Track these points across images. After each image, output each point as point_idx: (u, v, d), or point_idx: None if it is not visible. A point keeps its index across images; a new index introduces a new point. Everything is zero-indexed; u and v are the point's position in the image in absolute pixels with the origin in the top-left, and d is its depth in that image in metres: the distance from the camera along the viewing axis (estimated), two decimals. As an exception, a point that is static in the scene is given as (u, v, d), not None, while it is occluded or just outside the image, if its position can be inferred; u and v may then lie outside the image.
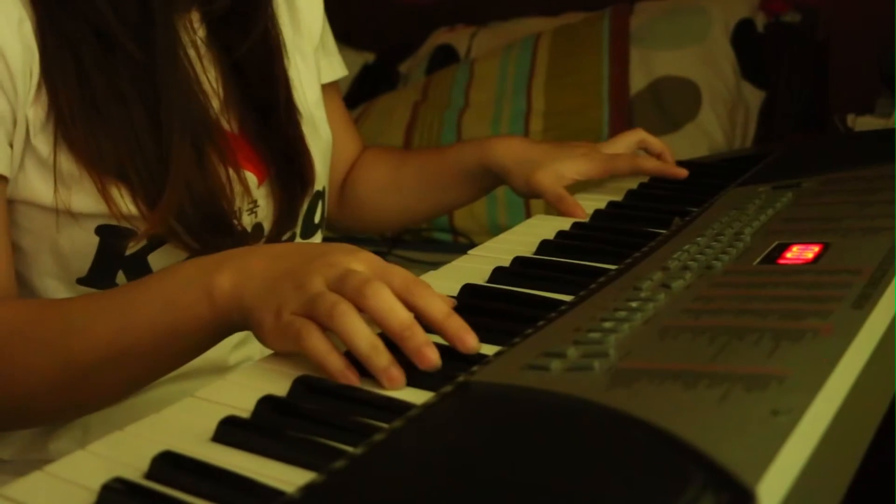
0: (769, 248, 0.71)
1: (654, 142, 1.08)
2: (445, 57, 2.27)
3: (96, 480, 0.48)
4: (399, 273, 0.63)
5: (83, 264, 0.79)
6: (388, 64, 2.41)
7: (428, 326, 0.61)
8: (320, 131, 0.96)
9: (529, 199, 1.05)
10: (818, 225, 0.75)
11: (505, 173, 1.05)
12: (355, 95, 2.34)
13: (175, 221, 0.78)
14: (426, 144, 2.03)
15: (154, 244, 0.79)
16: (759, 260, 0.69)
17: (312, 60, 0.98)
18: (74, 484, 0.50)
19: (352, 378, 0.59)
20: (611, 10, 2.09)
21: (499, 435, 0.49)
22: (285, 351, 0.63)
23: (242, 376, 0.62)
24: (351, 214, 1.15)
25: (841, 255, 0.67)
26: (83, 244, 0.78)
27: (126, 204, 0.76)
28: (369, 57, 2.43)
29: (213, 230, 0.80)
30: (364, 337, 0.59)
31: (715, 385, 0.49)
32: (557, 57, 2.05)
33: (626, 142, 1.08)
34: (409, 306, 0.61)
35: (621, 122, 1.94)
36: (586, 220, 0.95)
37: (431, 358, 0.58)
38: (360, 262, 0.63)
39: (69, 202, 0.76)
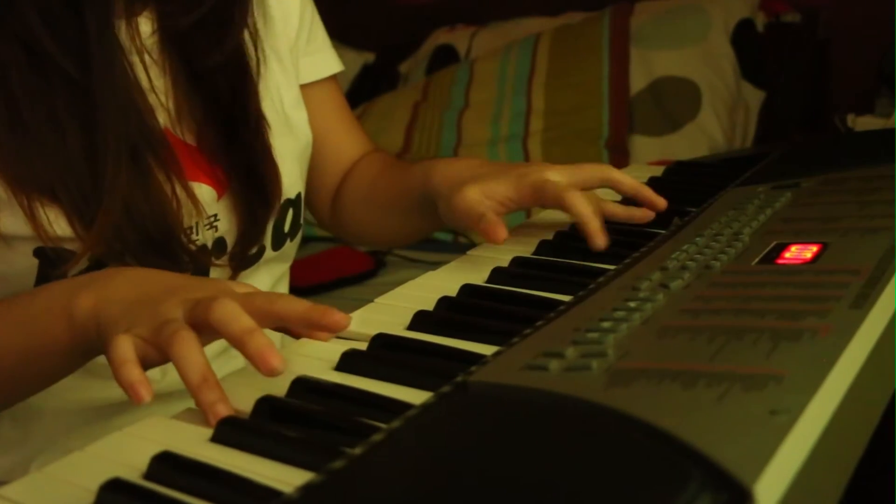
0: (768, 248, 0.71)
1: (626, 182, 0.86)
2: (445, 57, 2.28)
3: (95, 481, 0.48)
4: (264, 293, 0.63)
5: (26, 285, 0.75)
6: (388, 64, 2.41)
7: None
8: (298, 134, 0.91)
9: (456, 231, 0.89)
10: (817, 225, 0.74)
11: (436, 198, 0.88)
12: (355, 95, 2.34)
13: (115, 242, 0.73)
14: (426, 144, 2.03)
15: (98, 265, 0.75)
16: (757, 260, 0.69)
17: (288, 59, 0.91)
18: (73, 484, 0.50)
19: (142, 394, 0.56)
20: (611, 10, 2.09)
21: (497, 435, 0.49)
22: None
23: (241, 377, 0.62)
24: (337, 223, 1.06)
25: (839, 254, 0.67)
26: (22, 267, 0.74)
27: (59, 226, 0.72)
28: (369, 57, 2.43)
29: (157, 251, 0.75)
30: (196, 368, 0.56)
31: (713, 385, 0.49)
32: (557, 57, 2.06)
33: (590, 174, 0.85)
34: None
35: (621, 121, 1.94)
36: (501, 243, 0.79)
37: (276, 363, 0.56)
38: (232, 288, 0.64)
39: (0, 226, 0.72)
